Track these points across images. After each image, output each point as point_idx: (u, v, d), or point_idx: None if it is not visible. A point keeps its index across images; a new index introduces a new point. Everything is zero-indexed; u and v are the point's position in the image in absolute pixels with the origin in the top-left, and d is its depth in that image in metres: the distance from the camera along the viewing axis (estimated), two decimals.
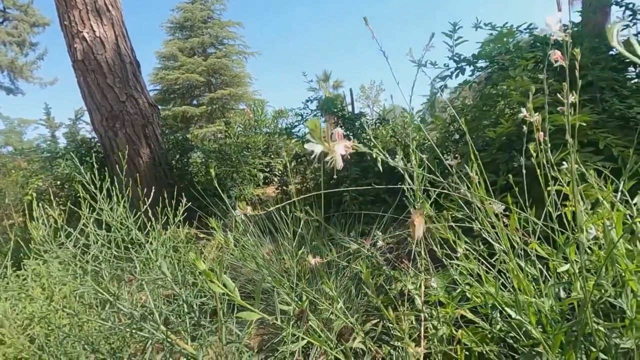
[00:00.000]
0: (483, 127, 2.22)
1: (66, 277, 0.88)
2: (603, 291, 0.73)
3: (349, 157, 0.60)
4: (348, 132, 3.51)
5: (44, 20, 15.54)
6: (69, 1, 3.87)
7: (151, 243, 0.87)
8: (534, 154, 0.89)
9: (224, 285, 0.65)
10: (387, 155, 0.81)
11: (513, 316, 0.79)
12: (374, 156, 0.63)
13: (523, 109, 1.00)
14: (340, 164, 0.52)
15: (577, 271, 0.67)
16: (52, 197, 1.42)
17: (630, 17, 2.23)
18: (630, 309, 0.70)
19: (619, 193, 0.96)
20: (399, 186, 0.97)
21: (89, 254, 0.94)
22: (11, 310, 1.45)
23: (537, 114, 1.01)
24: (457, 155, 1.47)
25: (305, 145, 0.54)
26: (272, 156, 5.75)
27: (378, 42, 1.17)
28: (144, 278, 0.83)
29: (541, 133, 0.86)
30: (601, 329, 0.72)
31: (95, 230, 1.01)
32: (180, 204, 1.24)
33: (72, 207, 4.24)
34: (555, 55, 0.50)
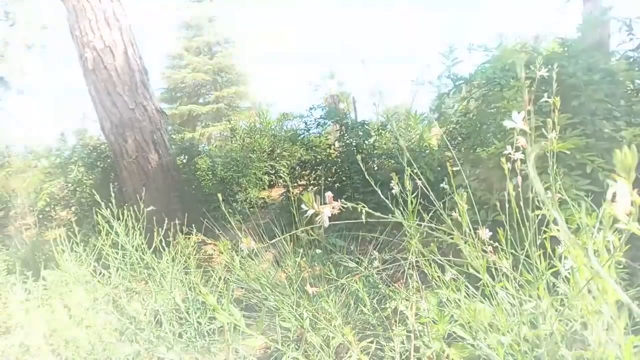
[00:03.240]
0: (482, 136, 2.28)
1: (91, 306, 0.99)
2: (570, 324, 0.81)
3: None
4: (351, 140, 3.60)
5: (53, 23, 15.75)
6: (79, 12, 3.98)
7: (163, 277, 0.97)
8: (512, 192, 0.97)
9: (230, 314, 0.76)
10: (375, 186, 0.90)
11: (481, 347, 0.88)
12: (359, 210, 0.72)
13: (508, 147, 1.08)
14: (326, 223, 0.64)
15: (544, 309, 0.75)
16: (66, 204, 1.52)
17: (627, 33, 2.27)
18: (594, 342, 0.78)
19: (597, 222, 1.03)
20: (390, 218, 1.05)
21: (109, 279, 1.04)
22: (35, 321, 1.57)
23: (519, 152, 1.08)
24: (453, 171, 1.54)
25: (302, 205, 0.67)
26: (277, 159, 5.85)
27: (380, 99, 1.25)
28: (160, 309, 0.94)
29: (520, 178, 0.93)
30: (569, 358, 0.80)
31: (113, 256, 1.11)
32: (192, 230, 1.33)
33: (84, 212, 4.29)
34: (521, 142, 0.58)
